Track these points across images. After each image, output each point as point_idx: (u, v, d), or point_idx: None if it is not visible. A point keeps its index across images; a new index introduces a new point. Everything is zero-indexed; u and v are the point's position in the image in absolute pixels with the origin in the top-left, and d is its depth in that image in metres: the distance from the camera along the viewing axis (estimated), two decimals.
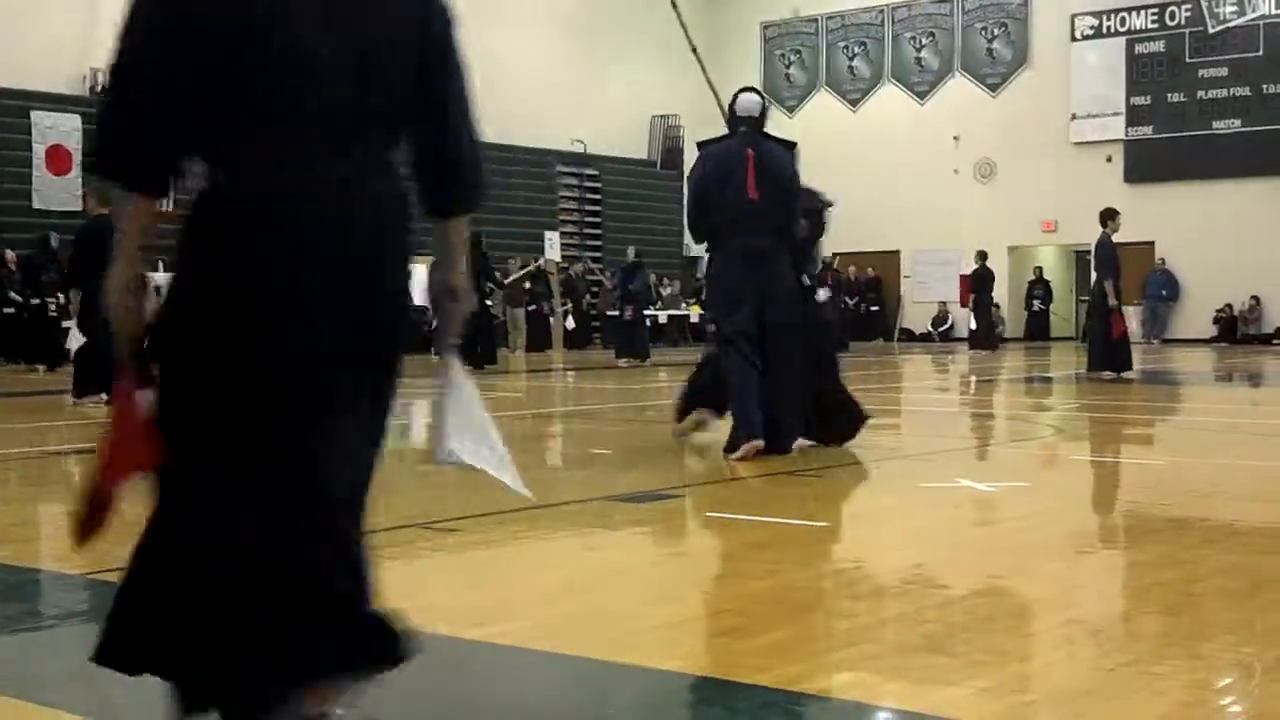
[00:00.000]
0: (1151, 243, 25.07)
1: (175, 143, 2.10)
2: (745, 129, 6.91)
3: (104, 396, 10.34)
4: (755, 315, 6.73)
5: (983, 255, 22.74)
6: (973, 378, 15.97)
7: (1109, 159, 26.16)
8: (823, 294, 7.54)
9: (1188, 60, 25.66)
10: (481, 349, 16.54)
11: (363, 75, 2.18)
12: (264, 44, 2.07)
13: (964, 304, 24.30)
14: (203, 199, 2.15)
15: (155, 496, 2.17)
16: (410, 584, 3.77)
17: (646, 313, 19.29)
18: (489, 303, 17.43)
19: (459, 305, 2.43)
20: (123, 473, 2.15)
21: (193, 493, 2.13)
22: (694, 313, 25.62)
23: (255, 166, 2.12)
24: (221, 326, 2.11)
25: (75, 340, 10.63)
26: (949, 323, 27.73)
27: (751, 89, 7.30)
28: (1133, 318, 23.78)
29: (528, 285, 21.91)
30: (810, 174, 7.40)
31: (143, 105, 2.06)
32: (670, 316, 25.61)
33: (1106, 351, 13.74)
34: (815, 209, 7.44)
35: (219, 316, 2.11)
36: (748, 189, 6.70)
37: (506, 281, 20.49)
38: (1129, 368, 13.71)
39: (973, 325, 22.82)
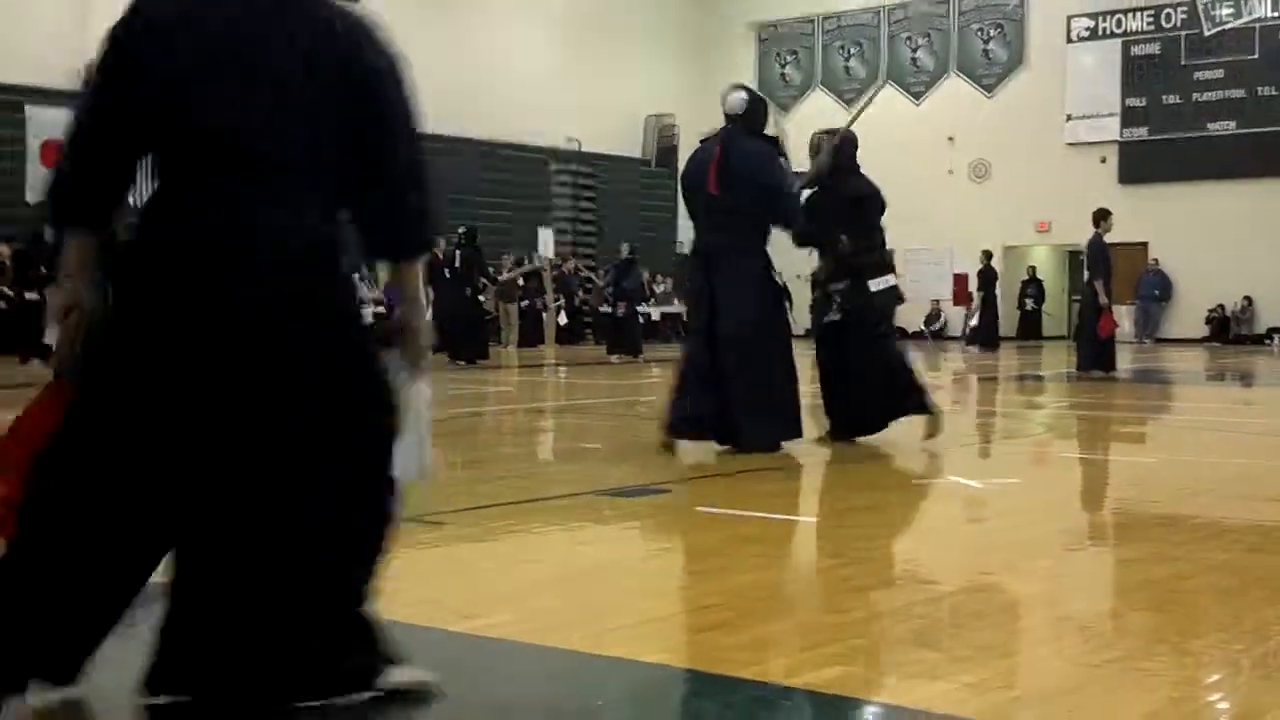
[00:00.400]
0: (1145, 243, 25.10)
1: (107, 198, 2.43)
2: (728, 126, 6.91)
3: None
4: (707, 313, 6.72)
5: (988, 254, 22.83)
6: (971, 376, 15.98)
7: (1103, 160, 26.19)
8: (876, 284, 7.17)
9: (1183, 62, 25.69)
10: (474, 344, 16.53)
11: (269, 126, 2.34)
12: (181, 108, 2.36)
13: (958, 303, 24.21)
14: (129, 241, 2.42)
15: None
16: (399, 577, 3.76)
17: (639, 309, 19.29)
18: (482, 298, 17.41)
19: (413, 343, 2.61)
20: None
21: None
22: (686, 309, 25.63)
23: (162, 213, 2.37)
24: (119, 361, 2.37)
25: (53, 335, 10.39)
26: (941, 321, 27.81)
27: (742, 86, 7.26)
28: (1125, 317, 23.86)
29: (521, 281, 21.93)
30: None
31: (81, 169, 2.42)
32: (664, 314, 25.63)
33: (1097, 351, 13.84)
34: (860, 196, 7.24)
35: (120, 351, 2.37)
36: (709, 185, 6.71)
37: (501, 278, 20.48)
38: (1112, 368, 13.81)
39: (974, 322, 22.83)
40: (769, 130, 7.05)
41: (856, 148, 7.43)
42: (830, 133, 7.49)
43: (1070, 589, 3.78)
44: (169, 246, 2.34)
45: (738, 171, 6.69)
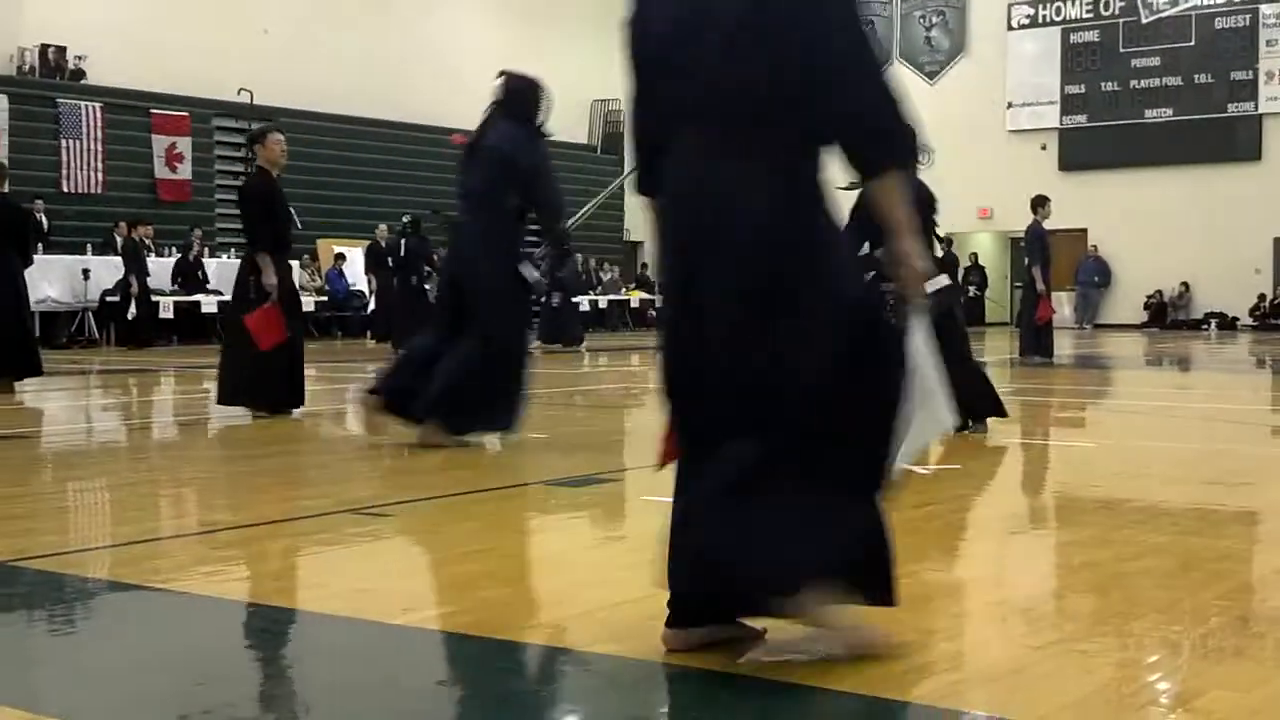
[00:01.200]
0: (1084, 229, 25.46)
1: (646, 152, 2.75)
2: (489, 110, 7.08)
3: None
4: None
5: (948, 241, 23.05)
6: None
7: (1044, 147, 26.52)
8: (930, 285, 7.07)
9: (1121, 50, 26.05)
10: (417, 333, 16.42)
11: (705, 87, 2.51)
12: (649, 84, 2.72)
13: None
14: None
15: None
16: (340, 568, 3.72)
17: (581, 298, 19.22)
18: (426, 286, 17.29)
19: (899, 270, 2.56)
20: None
21: None
22: (634, 297, 25.60)
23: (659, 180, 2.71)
24: None
25: None
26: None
27: (505, 72, 7.30)
28: (1066, 303, 24.19)
29: None
30: None
31: (635, 149, 2.80)
32: (611, 301, 25.58)
33: (1037, 336, 14.04)
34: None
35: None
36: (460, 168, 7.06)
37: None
38: (1049, 354, 14.00)
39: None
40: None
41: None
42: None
43: (1012, 572, 3.81)
44: (657, 211, 2.67)
45: (487, 153, 6.56)
